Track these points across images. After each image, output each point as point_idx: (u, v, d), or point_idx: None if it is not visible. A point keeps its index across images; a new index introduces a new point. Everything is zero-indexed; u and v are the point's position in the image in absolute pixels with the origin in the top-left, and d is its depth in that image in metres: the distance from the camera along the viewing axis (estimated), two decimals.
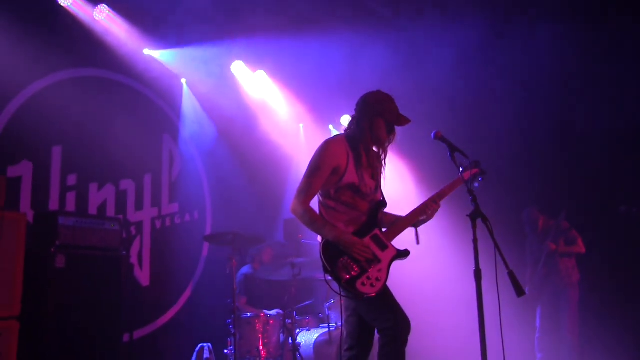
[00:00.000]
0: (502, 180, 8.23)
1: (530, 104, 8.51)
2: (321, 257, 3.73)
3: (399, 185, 8.54)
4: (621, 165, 8.06)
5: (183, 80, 8.18)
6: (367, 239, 3.78)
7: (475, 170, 3.95)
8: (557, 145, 8.63)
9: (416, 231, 4.02)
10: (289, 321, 6.72)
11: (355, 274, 3.67)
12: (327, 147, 3.89)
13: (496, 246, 3.64)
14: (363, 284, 3.66)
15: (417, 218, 3.97)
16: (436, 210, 3.99)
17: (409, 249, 3.86)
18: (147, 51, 7.59)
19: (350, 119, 4.05)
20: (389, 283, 3.77)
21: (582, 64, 8.05)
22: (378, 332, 3.77)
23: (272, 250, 7.72)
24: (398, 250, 3.83)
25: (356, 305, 3.85)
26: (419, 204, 4.02)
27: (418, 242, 4.02)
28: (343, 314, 4.00)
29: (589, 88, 8.15)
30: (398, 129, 4.00)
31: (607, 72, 7.91)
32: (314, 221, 3.80)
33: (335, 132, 9.03)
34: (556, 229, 7.45)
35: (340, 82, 8.01)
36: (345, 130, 4.06)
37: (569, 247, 7.45)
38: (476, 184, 3.91)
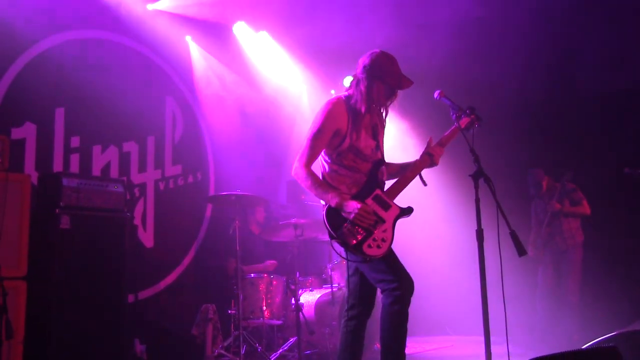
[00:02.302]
0: (506, 142, 8.24)
1: (534, 65, 8.46)
2: (325, 224, 3.75)
3: (399, 143, 8.59)
4: (626, 126, 8.04)
5: (188, 38, 8.12)
6: (369, 201, 3.77)
7: (471, 117, 3.94)
8: (561, 107, 8.60)
9: (420, 174, 3.98)
10: (292, 282, 6.78)
11: (361, 238, 3.67)
12: (328, 110, 3.86)
13: (498, 206, 3.66)
14: (369, 246, 3.67)
15: (417, 172, 3.95)
16: (441, 155, 3.99)
17: (412, 206, 3.87)
18: (150, 6, 7.50)
19: (352, 79, 4.00)
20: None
21: (584, 23, 7.99)
22: (382, 293, 3.80)
23: (264, 210, 7.72)
24: (401, 209, 3.82)
25: (360, 266, 3.87)
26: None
27: (425, 184, 4.00)
28: (346, 274, 4.04)
29: (591, 48, 8.09)
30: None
31: (609, 31, 7.85)
32: (316, 185, 3.79)
33: None
34: (561, 189, 7.45)
35: (343, 44, 7.95)
36: (347, 90, 4.03)
37: (574, 207, 7.46)
38: (471, 134, 3.90)
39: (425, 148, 4.00)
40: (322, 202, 3.84)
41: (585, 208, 7.45)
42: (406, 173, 3.95)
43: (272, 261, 7.35)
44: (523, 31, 8.13)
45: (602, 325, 5.76)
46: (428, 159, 3.96)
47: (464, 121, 3.92)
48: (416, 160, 3.99)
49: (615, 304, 7.21)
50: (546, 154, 8.42)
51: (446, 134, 4.03)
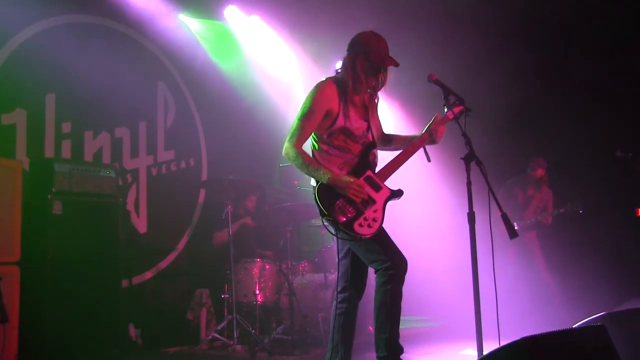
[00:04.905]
0: (499, 128, 8.26)
1: (529, 51, 8.47)
2: (316, 201, 3.76)
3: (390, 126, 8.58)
4: (617, 111, 8.07)
5: (180, 16, 8.04)
6: (360, 181, 3.80)
7: (460, 108, 3.97)
8: (553, 92, 8.62)
9: (424, 149, 4.05)
10: (285, 266, 6.80)
11: (351, 216, 3.70)
12: (319, 91, 3.88)
13: (490, 189, 3.68)
14: (360, 225, 3.70)
15: (409, 156, 3.98)
16: (442, 132, 4.05)
17: (402, 189, 3.90)
18: None
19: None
20: (384, 224, 3.82)
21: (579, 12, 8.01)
22: (375, 272, 3.83)
23: (255, 198, 7.72)
24: (392, 191, 3.86)
25: (353, 247, 3.90)
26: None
27: (429, 160, 4.05)
28: (337, 256, 4.06)
29: (585, 36, 8.12)
30: (392, 71, 3.98)
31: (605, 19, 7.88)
32: (307, 164, 3.81)
33: None
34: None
35: (336, 27, 7.93)
36: (336, 72, 4.05)
37: (541, 217, 7.65)
38: (462, 121, 3.93)
39: (426, 131, 4.04)
40: (313, 183, 3.85)
41: (548, 220, 7.70)
42: (399, 156, 3.98)
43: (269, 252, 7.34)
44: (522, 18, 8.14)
45: (592, 309, 5.84)
46: (428, 137, 4.00)
47: (455, 110, 3.95)
48: (415, 140, 4.03)
49: (604, 287, 7.28)
50: (539, 139, 8.45)
51: (433, 121, 4.07)
